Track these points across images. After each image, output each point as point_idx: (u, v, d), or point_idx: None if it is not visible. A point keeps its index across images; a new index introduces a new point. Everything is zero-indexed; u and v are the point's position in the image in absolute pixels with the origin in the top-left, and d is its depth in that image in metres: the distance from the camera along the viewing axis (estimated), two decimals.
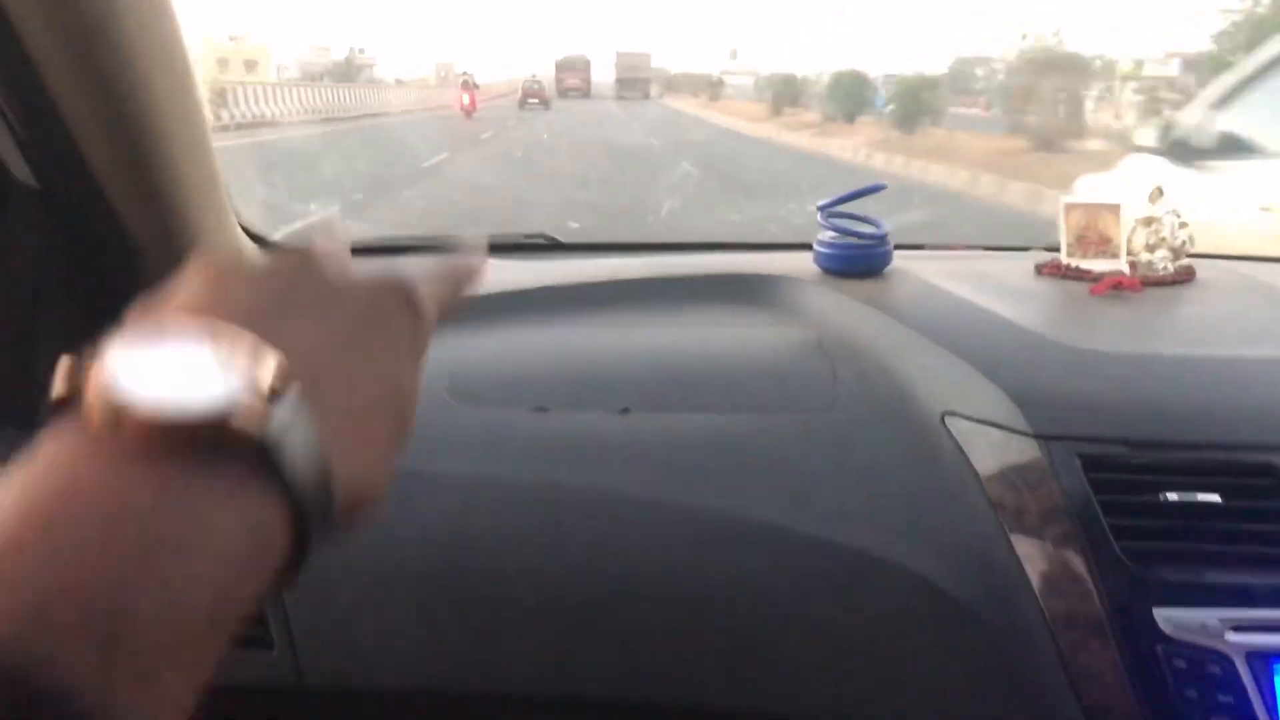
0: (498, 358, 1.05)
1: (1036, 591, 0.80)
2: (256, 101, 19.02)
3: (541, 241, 1.52)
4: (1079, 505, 0.80)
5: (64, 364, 0.34)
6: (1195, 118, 3.91)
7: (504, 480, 0.90)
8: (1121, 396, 0.88)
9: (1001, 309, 1.03)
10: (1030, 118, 15.92)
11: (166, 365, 0.32)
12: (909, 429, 0.91)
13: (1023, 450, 0.84)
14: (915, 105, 16.72)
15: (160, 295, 0.40)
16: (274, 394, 0.32)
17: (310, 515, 0.32)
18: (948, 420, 0.90)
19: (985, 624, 0.82)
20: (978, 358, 0.93)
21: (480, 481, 0.90)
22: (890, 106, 18.77)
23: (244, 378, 0.31)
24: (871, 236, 1.18)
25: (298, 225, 1.13)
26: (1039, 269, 1.21)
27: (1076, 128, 15.05)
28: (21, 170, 0.86)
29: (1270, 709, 0.73)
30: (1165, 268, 1.17)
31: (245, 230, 1.14)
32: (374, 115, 23.81)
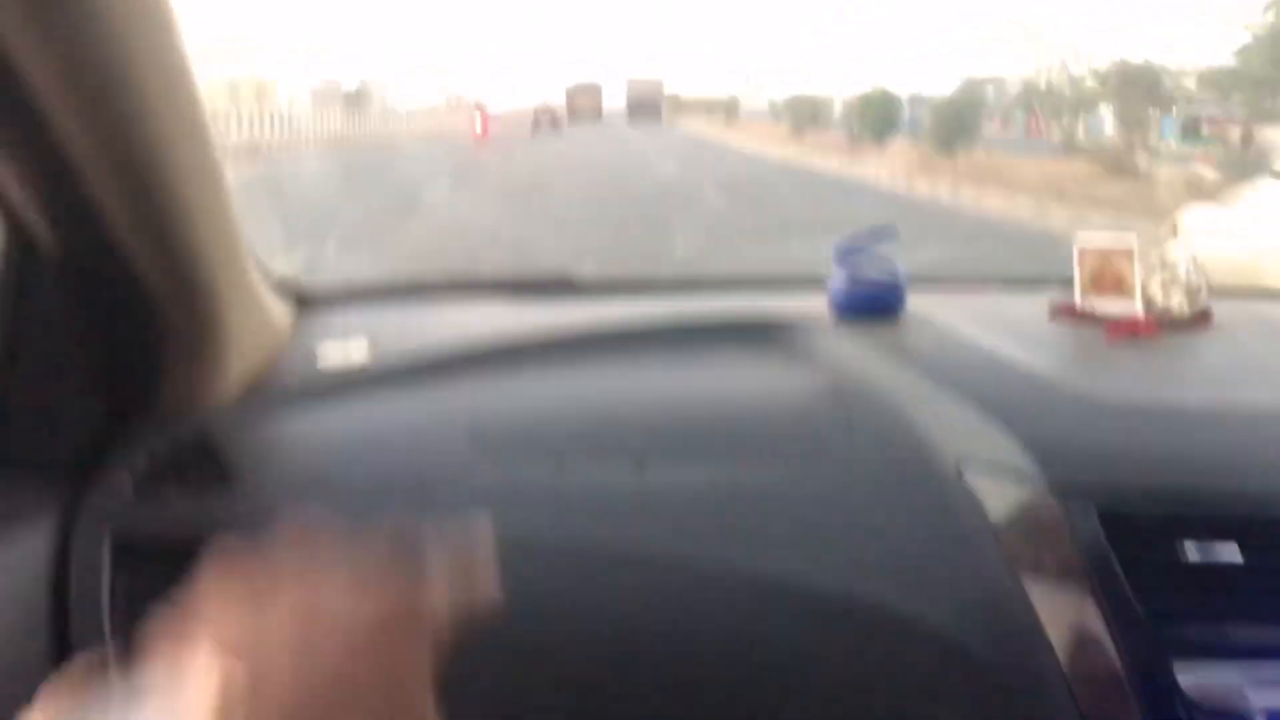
0: (515, 408, 1.08)
1: (1055, 648, 0.81)
2: (254, 128, 19.13)
3: (561, 280, 1.55)
4: (1097, 560, 0.81)
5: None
6: None
7: (521, 537, 0.92)
8: (1139, 448, 0.89)
9: (1017, 356, 1.04)
10: (1079, 138, 15.32)
11: None
12: (926, 480, 0.92)
13: (1039, 503, 0.85)
14: (956, 126, 15.70)
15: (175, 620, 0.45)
16: None
17: None
18: (964, 472, 0.91)
19: (1003, 681, 0.83)
20: (994, 408, 0.94)
21: (497, 539, 0.92)
22: (922, 127, 18.10)
23: None
24: (885, 280, 1.21)
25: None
26: (1054, 311, 1.23)
27: (1145, 150, 13.64)
28: (43, 233, 0.90)
29: None
30: (1181, 310, 1.19)
31: (265, 278, 1.18)
32: (379, 144, 23.55)
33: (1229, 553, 0.80)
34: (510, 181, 14.22)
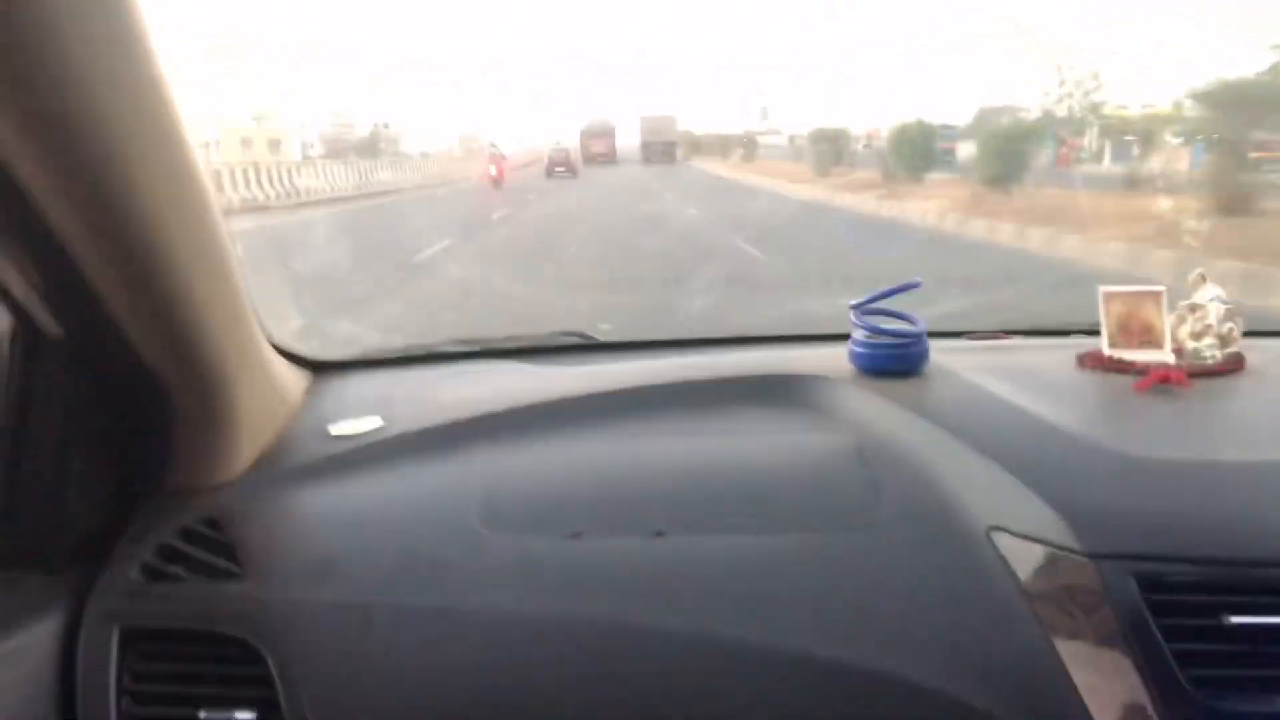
0: (530, 479, 1.08)
1: None
2: (266, 183, 19.07)
3: (575, 341, 1.56)
4: (1137, 629, 0.79)
5: None
6: None
7: (536, 617, 0.91)
8: (1176, 509, 0.87)
9: (1045, 410, 1.03)
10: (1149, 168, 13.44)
11: None
12: (954, 546, 0.91)
13: (1074, 569, 0.84)
14: (1009, 158, 13.66)
15: None
16: None
17: None
18: (994, 536, 0.90)
19: None
20: (1023, 468, 0.93)
21: (512, 619, 0.91)
22: (954, 159, 17.09)
23: None
24: (907, 335, 1.21)
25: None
26: (1081, 361, 1.22)
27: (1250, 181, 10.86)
28: (45, 320, 0.91)
29: None
30: (1213, 357, 1.18)
31: (274, 346, 1.19)
32: (387, 192, 22.97)
33: (1275, 617, 0.79)
34: (525, 236, 12.58)
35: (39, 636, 0.91)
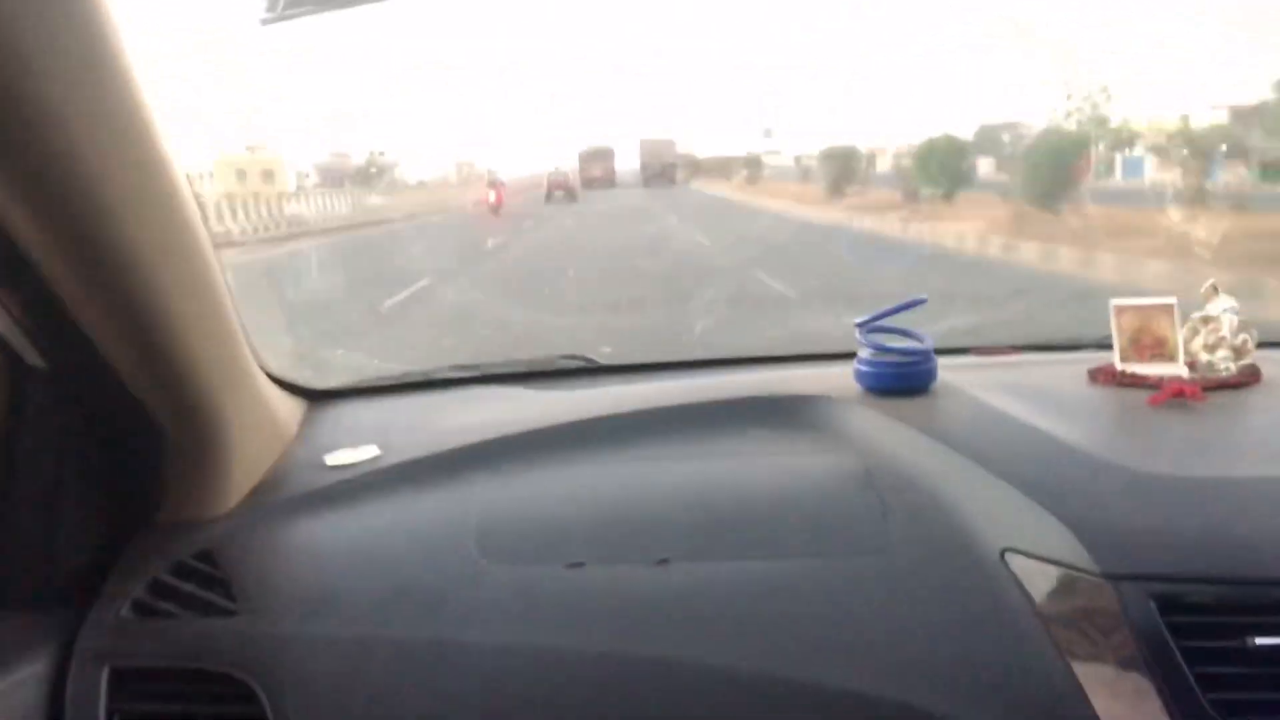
0: (530, 507, 1.07)
1: None
2: (260, 213, 18.89)
3: (576, 365, 1.56)
4: (1157, 651, 0.79)
5: None
6: None
7: (537, 648, 0.91)
8: (1195, 527, 0.87)
9: (1057, 428, 1.03)
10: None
11: None
12: (966, 569, 0.90)
13: (1090, 591, 0.83)
14: (1059, 174, 12.42)
15: None
16: None
17: None
18: (1007, 558, 0.89)
19: None
20: (1036, 487, 0.92)
21: (511, 651, 0.91)
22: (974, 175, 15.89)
23: None
24: (914, 352, 1.21)
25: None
26: (1093, 376, 1.22)
27: None
28: (31, 355, 0.91)
29: None
30: (1227, 369, 1.18)
31: (269, 375, 1.20)
32: (378, 222, 21.75)
33: None
34: (515, 273, 10.89)
35: (26, 677, 0.91)
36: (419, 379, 1.53)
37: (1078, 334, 1.47)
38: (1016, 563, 0.88)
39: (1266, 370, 1.20)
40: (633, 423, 1.21)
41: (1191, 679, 0.77)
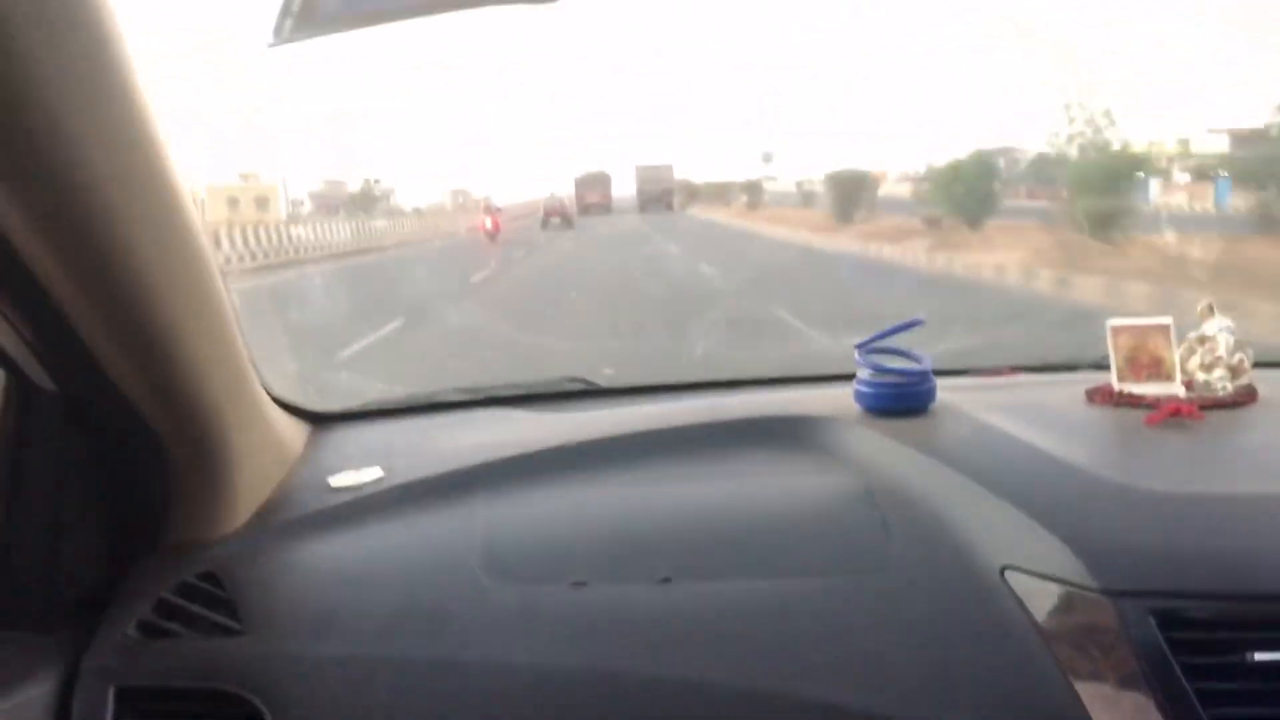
0: (534, 526, 1.10)
1: None
2: (255, 240, 18.53)
3: (578, 388, 1.59)
4: (1158, 668, 0.80)
5: None
6: None
7: (541, 668, 0.93)
8: (1193, 544, 0.89)
9: (1056, 447, 1.06)
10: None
11: None
12: (967, 587, 0.92)
13: (1091, 607, 0.85)
14: (1116, 198, 11.03)
15: None
16: None
17: None
18: (1008, 575, 0.91)
19: None
20: (1035, 505, 0.95)
21: (515, 670, 0.93)
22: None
23: None
24: (913, 373, 1.23)
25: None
26: (1090, 396, 1.25)
27: None
28: (39, 376, 0.94)
29: None
30: (1224, 388, 1.21)
31: (273, 398, 1.22)
32: (364, 250, 20.83)
33: None
34: (499, 313, 9.38)
35: (33, 697, 0.93)
36: (422, 401, 1.56)
37: (1075, 354, 1.49)
38: (1017, 580, 0.91)
39: (1263, 389, 1.22)
40: (634, 444, 1.23)
41: (1192, 695, 0.79)
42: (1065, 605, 0.87)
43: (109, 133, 0.77)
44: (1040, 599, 0.88)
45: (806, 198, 27.19)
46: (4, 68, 0.67)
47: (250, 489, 1.11)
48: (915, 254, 12.85)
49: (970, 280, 10.58)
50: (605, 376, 1.62)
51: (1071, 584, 0.87)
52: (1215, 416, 1.16)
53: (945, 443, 1.13)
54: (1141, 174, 13.50)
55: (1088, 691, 0.83)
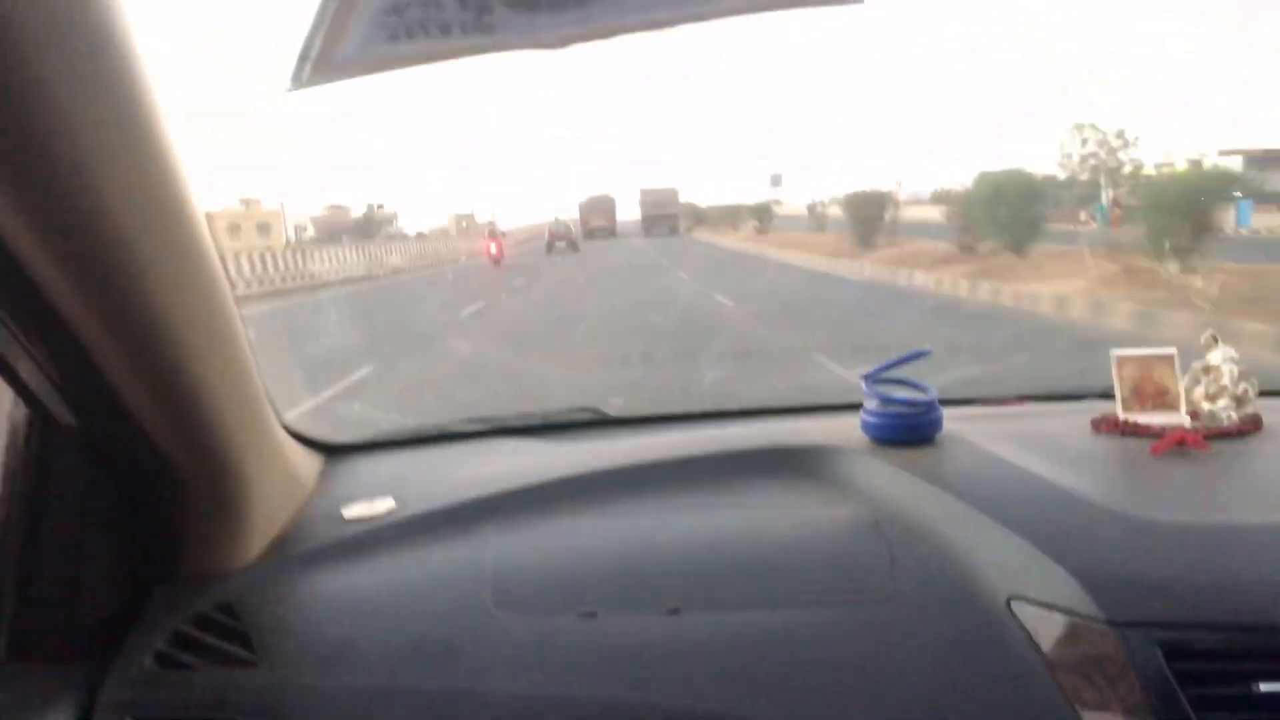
0: (544, 557, 1.12)
1: None
2: (257, 267, 18.21)
3: (588, 417, 1.63)
4: (1164, 698, 0.82)
5: None
6: None
7: (551, 698, 0.95)
8: (1199, 574, 0.90)
9: (1061, 477, 1.08)
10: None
11: None
12: (974, 617, 0.95)
13: (1097, 638, 0.87)
14: (1196, 221, 9.88)
15: None
16: None
17: None
18: (1014, 605, 0.94)
19: None
20: (1041, 535, 0.97)
21: (527, 701, 0.95)
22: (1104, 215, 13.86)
23: None
24: (920, 403, 1.26)
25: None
26: (1096, 425, 1.27)
27: None
28: (60, 410, 0.97)
29: None
30: (1229, 418, 1.23)
31: (288, 430, 1.26)
32: (351, 280, 20.24)
33: None
34: (509, 339, 9.36)
35: None
36: (434, 432, 1.59)
37: (1080, 384, 1.52)
38: (1023, 610, 0.93)
39: (1268, 419, 1.25)
40: (643, 474, 1.26)
41: None
42: (1072, 636, 0.89)
43: (133, 177, 0.80)
44: (1047, 629, 0.91)
45: (818, 221, 26.46)
46: (33, 121, 0.70)
47: (265, 520, 1.14)
48: (955, 283, 11.85)
49: (1028, 313, 9.59)
50: (615, 406, 1.65)
51: (1078, 615, 0.89)
52: (1220, 446, 1.18)
53: (951, 473, 1.16)
54: (1238, 193, 12.25)
55: None
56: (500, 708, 0.95)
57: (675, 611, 1.00)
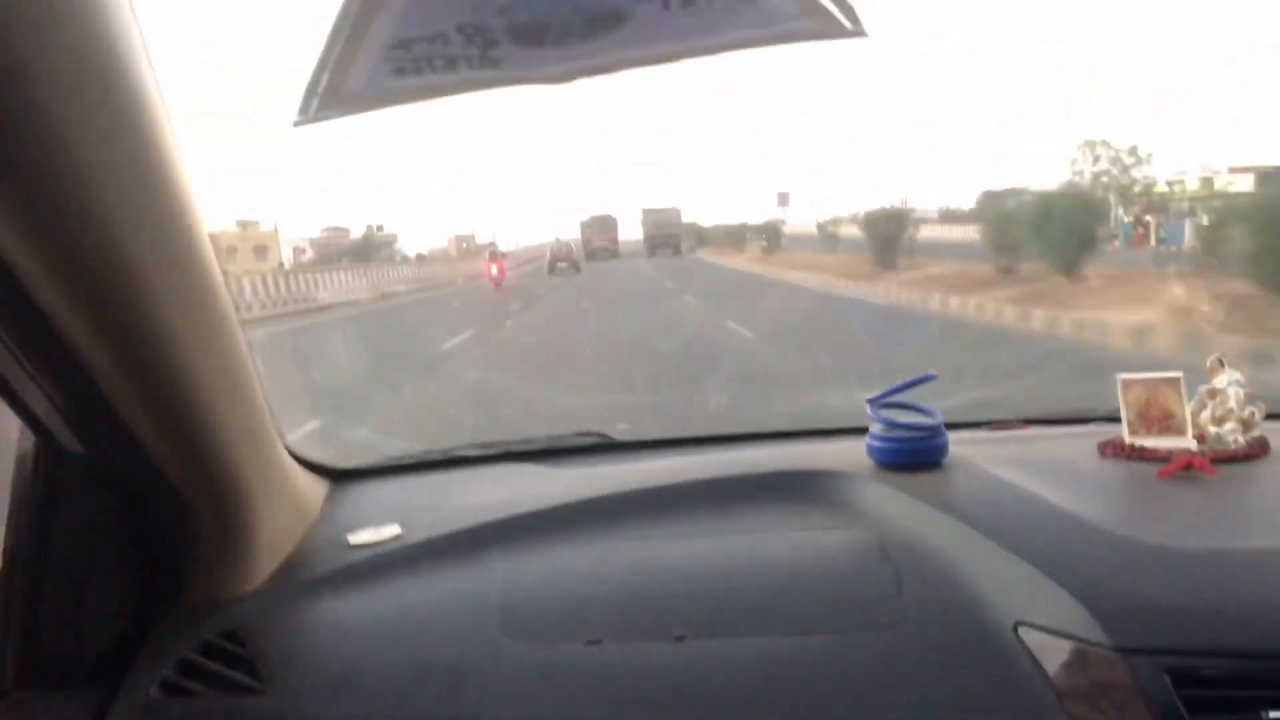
0: (549, 584, 1.14)
1: None
2: (254, 292, 18.22)
3: (593, 442, 1.65)
4: None
5: None
6: None
7: None
8: (1207, 600, 0.92)
9: (1068, 501, 1.10)
10: None
11: None
12: (980, 642, 0.96)
13: (1104, 665, 0.88)
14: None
15: None
16: None
17: None
18: (1021, 631, 0.95)
19: None
20: (1047, 561, 0.99)
21: None
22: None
23: None
24: (926, 427, 1.29)
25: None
26: (1102, 449, 1.29)
27: None
28: (68, 438, 0.99)
29: None
30: (1236, 441, 1.25)
31: (293, 455, 1.28)
32: (330, 306, 19.44)
33: None
34: (499, 380, 8.10)
35: None
36: (439, 458, 1.61)
37: (1086, 408, 1.54)
38: (1030, 636, 0.94)
39: (1275, 442, 1.26)
40: (649, 499, 1.28)
41: None
42: (1079, 662, 0.90)
43: (141, 205, 0.82)
44: (1054, 655, 0.92)
45: (829, 240, 26.08)
46: (42, 151, 0.72)
47: (271, 547, 1.16)
48: (999, 309, 10.47)
49: (1097, 345, 8.21)
50: (620, 431, 1.68)
51: (1085, 641, 0.90)
52: (1227, 470, 1.20)
53: (958, 497, 1.17)
54: None
55: None
56: None
57: (681, 639, 1.01)
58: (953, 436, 1.29)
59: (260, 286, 19.03)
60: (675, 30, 0.80)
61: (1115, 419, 1.31)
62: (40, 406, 0.95)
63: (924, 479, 1.23)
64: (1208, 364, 1.31)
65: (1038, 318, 9.88)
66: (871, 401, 1.31)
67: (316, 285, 21.58)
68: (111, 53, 0.73)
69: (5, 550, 1.03)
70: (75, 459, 1.01)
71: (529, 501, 1.28)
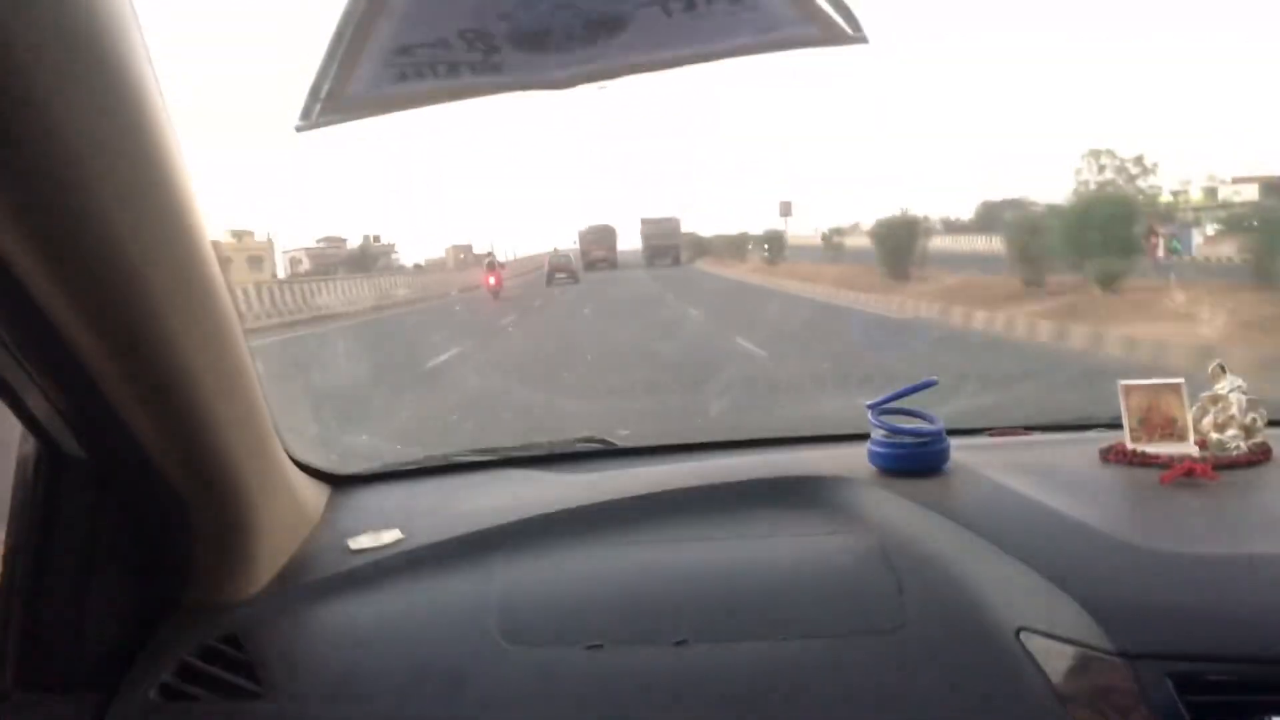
0: (550, 589, 1.15)
1: None
2: (250, 303, 18.19)
3: (594, 448, 1.66)
4: None
5: None
6: None
7: None
8: (1209, 606, 0.93)
9: (1070, 507, 1.11)
10: None
11: None
12: (982, 648, 0.97)
13: (1107, 670, 0.89)
14: None
15: None
16: None
17: None
18: (1023, 637, 0.96)
19: None
20: (1049, 566, 1.00)
21: None
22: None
23: None
24: (927, 433, 1.30)
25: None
26: (1104, 455, 1.30)
27: None
28: (68, 443, 1.00)
29: None
30: (1238, 447, 1.26)
31: (294, 461, 1.29)
32: (320, 318, 18.78)
33: None
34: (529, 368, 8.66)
35: None
36: (439, 463, 1.63)
37: (1088, 414, 1.55)
38: (1032, 642, 0.95)
39: (1277, 448, 1.27)
40: (650, 504, 1.29)
41: None
42: (1082, 667, 0.91)
43: (144, 210, 0.83)
44: (1056, 661, 0.92)
45: (834, 251, 25.34)
46: (45, 152, 0.73)
47: (271, 552, 1.17)
48: (1032, 325, 9.54)
49: (1160, 369, 6.06)
50: (621, 437, 1.69)
51: (1088, 646, 0.91)
52: (1229, 476, 1.21)
53: (960, 503, 1.18)
54: None
55: None
56: None
57: (682, 643, 1.02)
58: (954, 443, 1.30)
59: (255, 298, 19.00)
60: (676, 36, 0.82)
61: (1117, 425, 1.32)
62: (41, 410, 0.96)
63: (925, 485, 1.24)
64: (1209, 370, 1.33)
65: (1077, 335, 8.99)
66: (873, 407, 1.32)
67: (312, 295, 21.52)
68: (112, 53, 0.75)
69: (6, 554, 1.04)
70: (76, 462, 1.03)
71: (530, 506, 1.29)
